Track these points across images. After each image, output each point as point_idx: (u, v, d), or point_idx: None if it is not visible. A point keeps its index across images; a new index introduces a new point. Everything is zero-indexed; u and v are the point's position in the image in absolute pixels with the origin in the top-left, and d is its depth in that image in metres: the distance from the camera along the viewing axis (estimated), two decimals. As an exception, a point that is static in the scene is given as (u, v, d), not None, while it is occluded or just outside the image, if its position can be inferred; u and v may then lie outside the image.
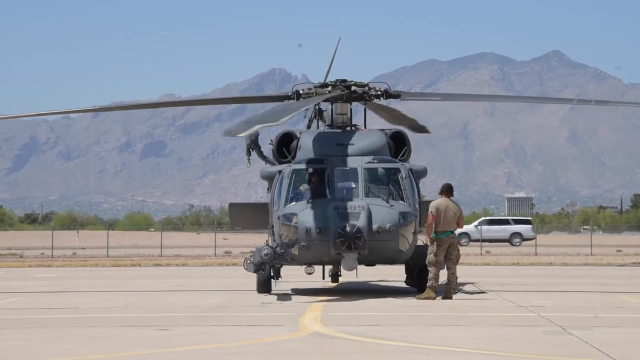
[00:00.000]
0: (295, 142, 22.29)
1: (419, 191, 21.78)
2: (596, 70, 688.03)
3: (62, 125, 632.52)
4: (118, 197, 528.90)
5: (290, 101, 21.88)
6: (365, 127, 22.80)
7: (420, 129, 21.24)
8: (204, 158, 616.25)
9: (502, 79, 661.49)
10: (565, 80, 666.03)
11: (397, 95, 22.18)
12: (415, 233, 20.74)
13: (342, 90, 21.77)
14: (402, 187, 20.76)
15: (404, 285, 22.88)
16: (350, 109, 22.45)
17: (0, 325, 15.03)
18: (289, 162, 21.79)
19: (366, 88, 21.94)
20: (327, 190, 20.49)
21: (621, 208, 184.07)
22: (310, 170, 20.97)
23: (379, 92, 21.93)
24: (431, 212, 19.84)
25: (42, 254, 58.98)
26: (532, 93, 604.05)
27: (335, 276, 25.56)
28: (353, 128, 22.47)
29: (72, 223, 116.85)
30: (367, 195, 20.33)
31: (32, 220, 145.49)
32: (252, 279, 22.21)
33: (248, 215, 25.18)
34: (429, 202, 21.74)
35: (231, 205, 25.79)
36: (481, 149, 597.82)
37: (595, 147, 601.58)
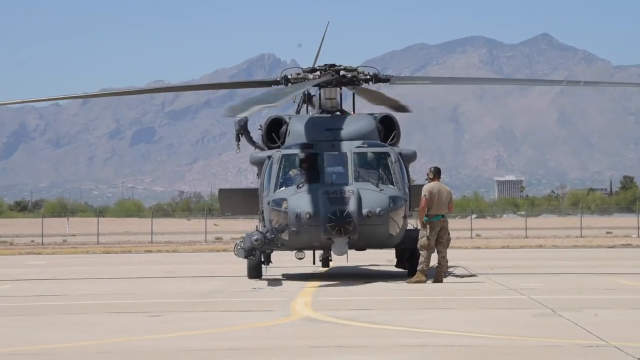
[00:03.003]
0: (284, 127, 22.27)
1: (408, 175, 21.79)
2: (585, 52, 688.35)
3: (51, 112, 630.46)
4: (108, 184, 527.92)
5: (280, 86, 21.91)
6: (354, 112, 22.79)
7: (402, 108, 21.45)
8: (193, 144, 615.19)
9: (491, 62, 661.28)
10: (554, 62, 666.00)
11: (386, 80, 22.17)
12: (405, 217, 20.75)
13: (332, 75, 21.77)
14: (392, 172, 20.77)
15: (394, 269, 22.92)
16: (341, 94, 22.44)
17: (-10, 313, 15.04)
18: (279, 147, 21.77)
19: (355, 72, 21.94)
20: (317, 175, 20.47)
21: (611, 190, 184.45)
22: (300, 155, 20.96)
23: (368, 77, 21.93)
24: (424, 195, 19.81)
25: (32, 241, 58.90)
26: (521, 76, 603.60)
27: (325, 261, 25.58)
28: (342, 113, 22.46)
29: (62, 210, 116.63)
30: (357, 179, 20.33)
31: (22, 208, 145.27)
32: (242, 264, 22.23)
33: (238, 201, 25.16)
34: (419, 186, 21.81)
35: (221, 191, 25.75)
36: (471, 132, 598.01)
37: (584, 129, 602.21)
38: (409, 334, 11.51)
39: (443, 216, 19.95)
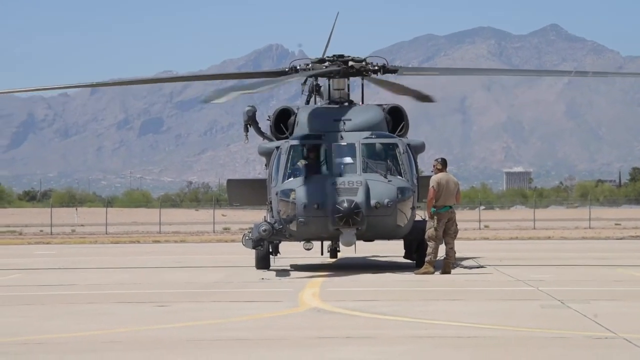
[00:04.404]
0: (292, 118, 22.22)
1: (417, 166, 21.73)
2: (594, 43, 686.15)
3: (60, 103, 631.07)
4: (116, 174, 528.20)
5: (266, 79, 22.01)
6: (362, 103, 22.74)
7: (425, 98, 21.31)
8: (201, 135, 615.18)
9: (499, 53, 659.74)
10: (563, 53, 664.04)
11: (394, 70, 22.10)
12: (413, 208, 20.69)
13: (339, 66, 21.72)
14: (400, 162, 20.70)
15: (402, 260, 22.89)
16: (349, 85, 22.39)
17: (1, 301, 15.06)
18: (287, 138, 21.72)
19: (363, 63, 21.89)
20: (325, 166, 20.43)
21: (619, 181, 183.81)
22: (308, 146, 20.91)
23: (376, 67, 21.86)
24: (432, 186, 19.74)
25: (41, 231, 59.00)
26: (530, 67, 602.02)
27: (334, 252, 25.57)
28: (350, 103, 22.41)
29: (71, 200, 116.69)
30: (365, 170, 20.27)
31: (30, 198, 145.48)
32: (250, 255, 22.21)
33: (246, 191, 25.10)
34: (427, 177, 21.79)
35: (229, 181, 25.72)
36: (479, 123, 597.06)
37: (593, 120, 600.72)
38: (417, 325, 11.48)
39: (451, 207, 19.90)
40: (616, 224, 62.24)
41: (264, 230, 20.49)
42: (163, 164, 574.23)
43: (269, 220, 21.27)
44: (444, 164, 20.17)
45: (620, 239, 41.50)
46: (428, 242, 19.69)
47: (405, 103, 22.85)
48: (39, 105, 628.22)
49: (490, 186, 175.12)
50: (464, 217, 67.05)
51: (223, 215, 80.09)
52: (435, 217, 19.68)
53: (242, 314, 12.75)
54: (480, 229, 58.23)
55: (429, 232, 19.69)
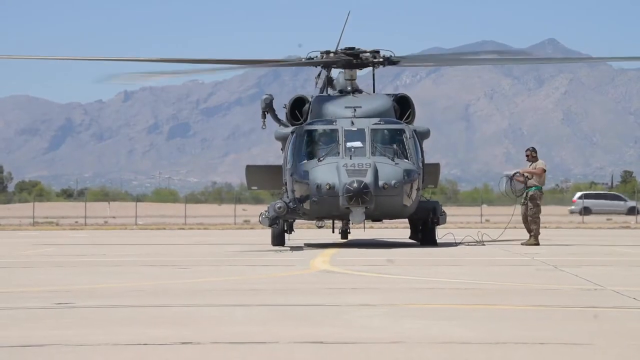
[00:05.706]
0: (307, 105, 22.20)
1: (422, 151, 21.68)
2: (588, 56, 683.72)
3: (95, 109, 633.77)
4: (147, 175, 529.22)
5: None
6: (373, 92, 22.73)
7: None
8: (225, 139, 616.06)
9: (501, 64, 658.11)
10: (559, 65, 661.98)
11: (396, 61, 22.12)
12: (418, 189, 20.63)
13: (350, 57, 21.71)
14: (407, 147, 20.65)
15: (409, 241, 22.80)
16: (374, 75, 22.45)
17: (33, 265, 15.05)
18: (302, 124, 21.68)
19: (371, 55, 21.90)
20: (337, 149, 20.39)
21: (611, 183, 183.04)
22: (321, 130, 20.88)
23: (382, 59, 21.88)
24: (544, 169, 20.98)
25: (76, 222, 59.11)
26: (528, 77, 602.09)
27: (344, 234, 25.53)
28: (360, 93, 22.38)
29: (104, 198, 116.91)
30: (373, 154, 20.23)
31: (67, 196, 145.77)
32: (267, 235, 22.16)
33: (263, 176, 25.07)
34: (431, 164, 22.09)
35: (248, 167, 25.68)
36: (482, 130, 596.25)
37: (588, 128, 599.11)
38: (419, 281, 11.40)
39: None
40: (608, 219, 61.92)
41: (279, 208, 20.44)
42: (189, 165, 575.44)
43: (284, 200, 21.23)
44: (536, 151, 20.94)
45: (611, 228, 41.30)
46: (536, 220, 20.47)
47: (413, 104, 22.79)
48: (77, 111, 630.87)
49: (491, 188, 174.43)
50: (466, 212, 66.76)
51: (244, 209, 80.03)
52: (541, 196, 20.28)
53: (257, 273, 12.70)
54: (481, 222, 57.97)
55: (539, 209, 20.33)
